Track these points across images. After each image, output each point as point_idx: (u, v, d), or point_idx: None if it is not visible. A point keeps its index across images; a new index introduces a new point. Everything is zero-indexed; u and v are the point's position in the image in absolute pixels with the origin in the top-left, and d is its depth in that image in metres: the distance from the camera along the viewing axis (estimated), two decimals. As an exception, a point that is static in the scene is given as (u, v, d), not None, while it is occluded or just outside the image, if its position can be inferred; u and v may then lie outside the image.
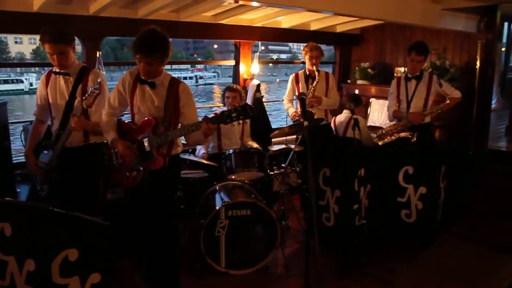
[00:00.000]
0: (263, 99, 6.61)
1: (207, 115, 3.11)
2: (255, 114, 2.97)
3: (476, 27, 6.53)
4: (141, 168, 3.37)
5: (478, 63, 6.52)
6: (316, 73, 5.45)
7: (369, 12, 5.24)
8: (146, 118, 3.40)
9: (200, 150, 5.39)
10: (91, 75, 3.65)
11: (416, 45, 5.21)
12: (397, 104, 5.43)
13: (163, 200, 3.45)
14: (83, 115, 3.51)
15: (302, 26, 6.94)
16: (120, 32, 5.19)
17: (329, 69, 8.22)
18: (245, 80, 6.60)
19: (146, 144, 3.36)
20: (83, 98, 3.46)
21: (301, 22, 6.70)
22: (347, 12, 5.31)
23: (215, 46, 60.68)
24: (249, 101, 6.33)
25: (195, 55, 65.78)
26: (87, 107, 3.45)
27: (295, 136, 4.88)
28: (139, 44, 3.15)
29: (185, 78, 52.98)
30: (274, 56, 67.58)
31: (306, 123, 3.23)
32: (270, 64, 58.70)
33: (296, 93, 5.71)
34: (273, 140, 5.76)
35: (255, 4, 4.81)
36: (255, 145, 5.55)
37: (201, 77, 54.87)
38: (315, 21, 6.94)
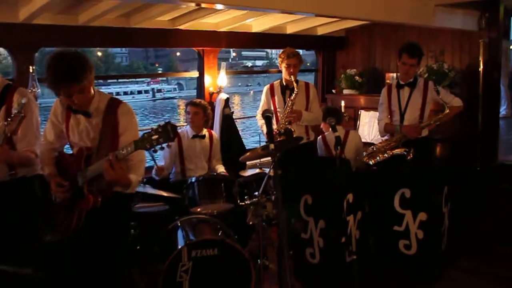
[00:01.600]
0: (235, 115, 6.59)
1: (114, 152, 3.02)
2: (176, 135, 2.86)
3: (476, 24, 6.61)
4: (75, 210, 3.27)
5: (481, 65, 6.59)
6: (295, 84, 5.43)
7: (354, 11, 5.28)
8: (77, 149, 3.34)
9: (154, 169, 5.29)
10: (16, 95, 3.56)
11: (407, 46, 5.23)
12: (389, 116, 5.43)
13: (104, 248, 3.34)
14: (6, 144, 3.40)
15: (276, 30, 6.96)
16: (58, 42, 5.09)
17: (310, 78, 8.25)
18: (211, 94, 6.57)
19: (79, 179, 3.28)
20: (6, 122, 3.36)
21: (275, 25, 6.72)
22: (329, 13, 5.35)
23: (178, 53, 60.78)
24: (217, 118, 6.30)
25: (157, 65, 65.79)
26: (10, 133, 3.35)
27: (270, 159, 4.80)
28: (48, 78, 3.07)
29: (139, 92, 52.90)
30: (249, 63, 67.95)
31: (272, 146, 3.15)
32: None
33: (272, 107, 5.68)
34: (247, 163, 5.75)
35: (220, 7, 4.81)
36: (221, 169, 5.52)
37: (159, 90, 54.75)
38: (292, 23, 6.96)
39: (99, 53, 56.02)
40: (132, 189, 3.34)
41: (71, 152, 3.52)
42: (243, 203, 4.57)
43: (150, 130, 2.88)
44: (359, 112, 7.23)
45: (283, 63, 5.47)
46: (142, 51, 65.03)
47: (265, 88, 5.80)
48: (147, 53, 66.87)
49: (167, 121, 2.88)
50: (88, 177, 3.22)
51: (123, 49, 58.93)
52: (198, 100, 5.51)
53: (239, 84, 59.11)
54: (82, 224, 3.27)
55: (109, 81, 51.61)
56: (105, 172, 3.02)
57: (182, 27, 5.98)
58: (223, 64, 6.64)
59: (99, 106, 3.32)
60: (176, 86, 56.34)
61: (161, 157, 5.40)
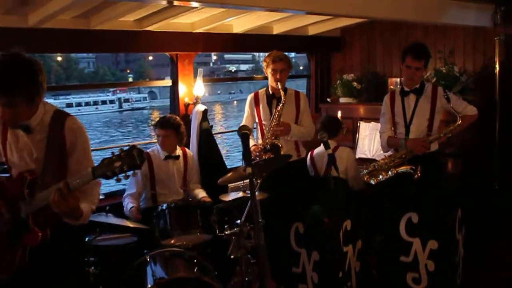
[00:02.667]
0: (216, 129, 6.52)
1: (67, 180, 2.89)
2: (143, 161, 2.74)
3: (491, 19, 6.55)
4: (19, 245, 3.12)
5: (497, 66, 6.53)
6: (282, 93, 5.40)
7: (350, 8, 5.25)
8: (17, 171, 3.22)
9: (128, 203, 5.24)
10: None
11: (412, 47, 5.21)
12: (393, 129, 5.41)
13: None
14: None
15: (261, 30, 6.92)
16: (2, 48, 4.96)
17: (303, 84, 8.20)
18: (186, 105, 6.50)
19: (22, 210, 3.14)
20: None
21: (259, 25, 6.67)
22: (323, 10, 5.32)
23: (150, 58, 60.49)
24: (193, 134, 6.22)
25: (128, 71, 65.74)
26: None
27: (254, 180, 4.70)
28: None
29: (104, 102, 53.02)
30: (232, 68, 68.30)
31: (249, 169, 3.05)
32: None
33: (256, 119, 5.67)
34: (229, 186, 5.66)
35: (195, 4, 4.77)
36: (202, 194, 5.48)
37: (126, 100, 54.95)
38: (278, 22, 6.93)
39: (59, 58, 55.90)
40: (84, 220, 3.20)
41: (7, 174, 3.40)
42: (223, 234, 4.55)
43: (111, 156, 2.78)
44: (358, 124, 7.17)
45: (269, 68, 5.46)
46: (110, 56, 65.00)
47: (249, 98, 5.80)
48: (116, 58, 66.87)
49: (131, 144, 2.79)
50: (34, 208, 3.09)
51: (90, 53, 58.81)
52: (167, 118, 5.48)
53: (219, 92, 59.39)
54: (27, 261, 3.16)
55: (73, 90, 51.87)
56: (54, 204, 2.90)
57: (151, 28, 5.89)
58: (200, 70, 6.56)
59: (43, 120, 3.19)
60: (146, 95, 56.59)
61: (130, 182, 5.36)
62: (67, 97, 50.28)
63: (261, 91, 5.72)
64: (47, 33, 5.21)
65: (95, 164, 2.91)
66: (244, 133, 3.38)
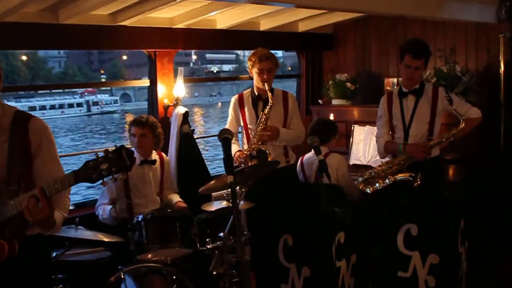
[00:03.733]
0: (196, 134, 6.53)
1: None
2: (133, 163, 2.71)
3: (495, 15, 6.57)
4: None
5: (501, 65, 6.54)
6: (269, 94, 5.39)
7: (343, 1, 5.28)
8: None
9: (106, 207, 5.23)
10: None
11: (411, 44, 5.19)
12: (390, 133, 5.40)
13: None
14: None
15: (247, 26, 6.90)
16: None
17: (290, 86, 8.15)
18: (166, 107, 6.48)
19: None
20: None
21: (245, 20, 6.65)
22: (313, 4, 5.33)
23: (124, 57, 59.92)
24: (173, 137, 6.21)
25: (102, 71, 65.30)
26: None
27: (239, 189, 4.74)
28: None
29: (71, 105, 52.58)
30: (214, 69, 68.38)
31: (230, 178, 3.00)
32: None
33: (242, 123, 5.67)
34: (212, 195, 5.75)
35: None
36: (175, 198, 5.52)
37: (95, 103, 54.55)
38: (266, 17, 6.92)
39: (24, 57, 55.38)
40: (56, 230, 3.19)
41: None
42: (205, 247, 4.54)
43: (96, 158, 2.77)
44: (352, 127, 7.16)
45: (254, 68, 5.46)
46: (83, 55, 64.59)
47: (233, 100, 5.79)
48: (89, 57, 66.60)
49: (119, 144, 2.80)
50: (1, 218, 3.04)
51: (61, 52, 58.01)
52: (145, 118, 5.44)
53: (196, 94, 59.27)
54: None
55: (36, 91, 51.18)
56: (28, 212, 2.87)
57: (126, 23, 5.86)
58: (180, 69, 6.54)
59: (2, 122, 3.13)
60: (117, 98, 56.04)
61: (104, 191, 5.35)
62: (30, 99, 49.88)
63: (246, 93, 5.72)
64: (10, 27, 5.16)
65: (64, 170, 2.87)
66: (225, 138, 3.35)
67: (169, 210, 5.07)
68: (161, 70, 6.49)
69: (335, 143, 6.00)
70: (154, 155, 5.50)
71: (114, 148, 2.79)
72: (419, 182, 4.97)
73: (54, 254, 4.43)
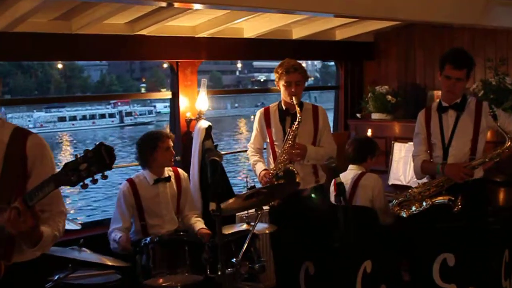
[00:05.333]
0: (221, 149, 6.49)
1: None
2: (114, 160, 2.66)
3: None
4: None
5: (559, 77, 6.41)
6: (297, 108, 5.32)
7: (382, 9, 5.23)
8: None
9: (116, 234, 5.18)
10: None
11: (452, 54, 5.13)
12: (428, 151, 5.32)
13: None
14: None
15: (278, 34, 6.88)
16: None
17: (330, 97, 8.10)
18: (188, 121, 6.46)
19: None
20: None
21: (275, 28, 6.60)
22: (350, 13, 5.32)
23: (165, 65, 59.98)
24: (195, 153, 6.18)
25: (143, 80, 65.45)
26: None
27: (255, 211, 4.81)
28: None
29: (102, 116, 52.10)
30: (261, 77, 68.41)
31: (212, 205, 2.97)
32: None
33: (267, 139, 5.63)
34: (237, 216, 5.89)
35: (198, 7, 4.74)
36: (199, 224, 5.43)
37: (129, 114, 54.30)
38: (298, 24, 6.89)
39: (60, 66, 55.70)
40: (45, 247, 3.17)
41: None
42: (215, 275, 4.47)
43: (75, 159, 2.74)
44: (392, 144, 7.05)
45: (281, 81, 5.44)
46: (125, 63, 64.93)
47: (258, 114, 5.76)
48: (131, 65, 67.12)
49: (99, 142, 2.75)
50: None
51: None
52: (168, 133, 5.48)
53: (236, 105, 59.14)
54: None
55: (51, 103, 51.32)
56: (10, 224, 2.87)
57: (144, 32, 5.86)
58: (203, 81, 6.52)
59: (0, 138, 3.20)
60: (153, 108, 55.78)
61: (115, 215, 5.35)
62: (60, 109, 50.17)
63: (273, 106, 5.67)
64: (19, 37, 5.21)
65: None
66: (213, 161, 3.31)
67: (181, 233, 5.05)
68: (184, 82, 6.47)
69: (371, 162, 5.98)
70: (168, 172, 5.48)
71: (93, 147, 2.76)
72: (459, 207, 4.90)
73: (56, 277, 4.42)
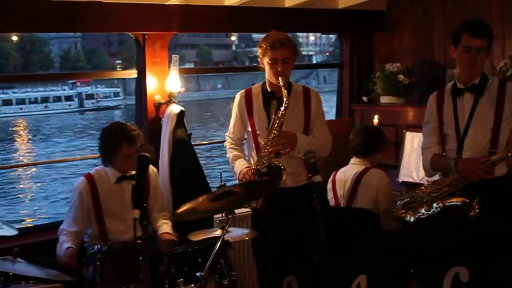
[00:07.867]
0: (193, 139, 6.57)
1: None
2: None
3: None
4: None
5: None
6: (284, 91, 5.22)
7: None
8: None
9: (65, 242, 5.14)
10: None
11: (470, 22, 5.04)
12: (440, 143, 5.26)
13: None
14: None
15: (267, 2, 6.84)
16: None
17: (333, 77, 8.06)
18: (157, 105, 6.44)
19: None
20: None
21: None
22: None
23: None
24: (164, 143, 6.18)
25: (118, 56, 64.52)
26: None
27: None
28: None
29: (58, 99, 51.64)
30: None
31: (136, 213, 2.91)
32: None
33: (249, 128, 5.54)
34: (215, 218, 5.90)
35: None
36: (165, 228, 5.46)
37: (90, 96, 53.71)
38: None
39: (14, 38, 55.07)
40: None
41: None
42: None
43: None
44: (404, 134, 6.96)
45: (266, 57, 5.31)
46: (102, 36, 64.69)
47: (238, 97, 5.65)
48: (108, 38, 66.78)
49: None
50: None
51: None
52: (137, 131, 5.37)
53: (216, 86, 59.29)
54: None
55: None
56: None
57: (108, -2, 5.84)
58: (175, 58, 6.45)
59: None
60: (119, 90, 55.32)
61: (68, 215, 5.31)
62: (6, 91, 49.19)
63: (256, 88, 5.55)
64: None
65: None
66: (142, 157, 3.18)
67: (138, 241, 4.97)
68: (152, 58, 6.44)
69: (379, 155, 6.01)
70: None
71: None
72: (476, 211, 4.83)
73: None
